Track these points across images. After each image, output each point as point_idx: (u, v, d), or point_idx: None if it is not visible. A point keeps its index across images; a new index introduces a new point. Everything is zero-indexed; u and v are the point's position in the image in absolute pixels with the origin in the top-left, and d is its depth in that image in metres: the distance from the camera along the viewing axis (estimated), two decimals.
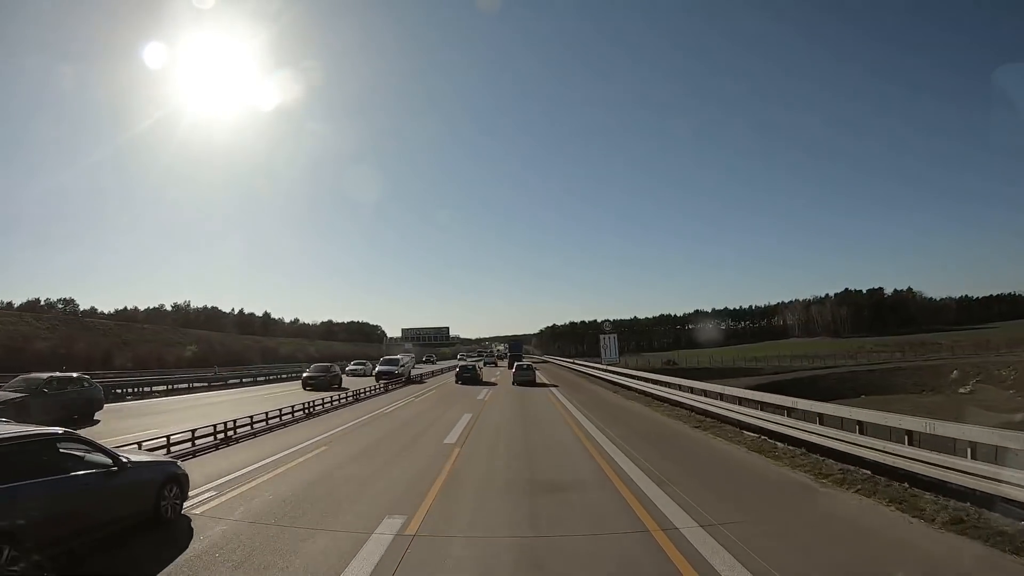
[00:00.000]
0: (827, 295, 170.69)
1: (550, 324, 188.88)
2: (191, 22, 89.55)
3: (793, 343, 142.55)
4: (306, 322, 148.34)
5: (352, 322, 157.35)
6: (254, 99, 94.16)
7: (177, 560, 5.23)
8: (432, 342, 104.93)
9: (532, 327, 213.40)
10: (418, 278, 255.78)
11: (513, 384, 31.67)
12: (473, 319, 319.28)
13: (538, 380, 33.82)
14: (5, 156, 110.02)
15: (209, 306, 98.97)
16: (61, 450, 5.41)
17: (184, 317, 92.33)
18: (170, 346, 54.92)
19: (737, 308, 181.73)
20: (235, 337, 75.17)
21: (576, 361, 63.91)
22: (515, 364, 38.02)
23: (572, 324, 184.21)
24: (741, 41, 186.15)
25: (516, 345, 75.80)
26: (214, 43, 73.30)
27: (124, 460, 5.91)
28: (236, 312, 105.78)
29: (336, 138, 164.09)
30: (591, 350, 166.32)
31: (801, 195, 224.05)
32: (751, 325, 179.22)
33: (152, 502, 6.14)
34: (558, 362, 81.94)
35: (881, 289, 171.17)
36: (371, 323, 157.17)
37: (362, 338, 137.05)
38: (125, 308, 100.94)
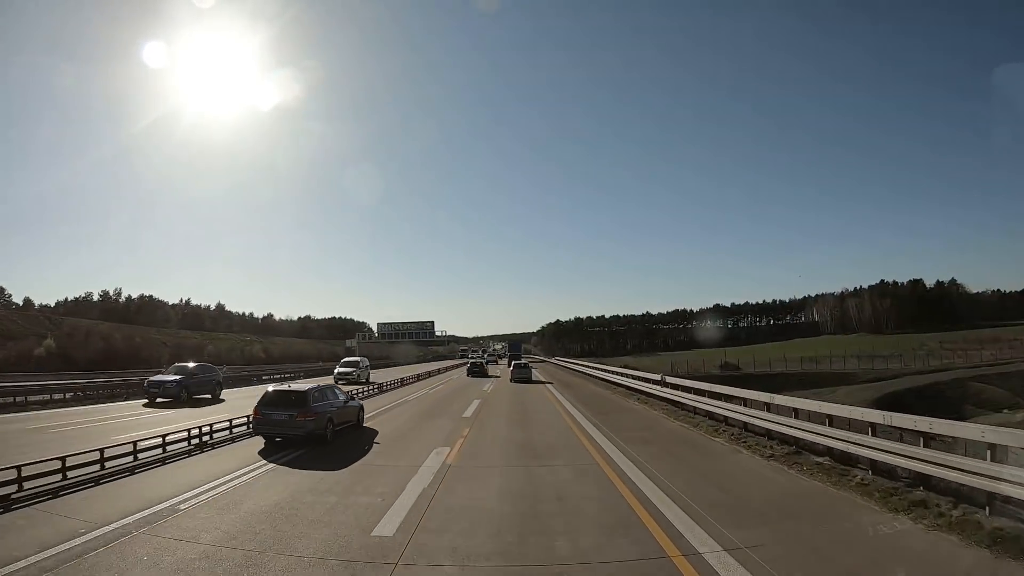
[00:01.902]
0: (859, 288, 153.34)
1: (553, 320, 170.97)
2: (191, 21, 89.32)
3: (832, 340, 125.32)
4: (281, 317, 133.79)
5: (334, 318, 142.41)
6: (253, 98, 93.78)
7: (375, 437, 12.68)
8: (414, 340, 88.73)
9: (533, 325, 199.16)
10: (413, 275, 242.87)
11: (511, 381, 33.82)
12: (471, 317, 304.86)
13: (534, 378, 35.94)
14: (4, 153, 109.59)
15: (146, 295, 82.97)
16: (335, 390, 13.45)
17: (110, 308, 76.47)
18: (14, 339, 38.99)
19: (760, 303, 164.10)
20: (139, 330, 59.09)
21: (579, 361, 55.44)
22: (513, 363, 40.28)
23: (577, 320, 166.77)
24: (761, 36, 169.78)
25: (515, 345, 76.95)
26: (214, 42, 73.11)
27: (349, 396, 14.28)
28: (184, 303, 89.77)
29: (335, 137, 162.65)
30: (599, 349, 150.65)
31: (816, 186, 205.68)
32: (774, 321, 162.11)
33: (356, 417, 14.00)
34: (563, 363, 65.34)
35: (921, 281, 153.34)
36: (356, 319, 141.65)
37: (343, 335, 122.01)
38: (66, 299, 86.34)
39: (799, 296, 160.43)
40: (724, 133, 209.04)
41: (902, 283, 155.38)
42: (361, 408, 14.52)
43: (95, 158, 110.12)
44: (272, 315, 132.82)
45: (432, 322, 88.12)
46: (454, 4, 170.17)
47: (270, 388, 12.09)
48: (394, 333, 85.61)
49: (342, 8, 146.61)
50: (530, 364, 41.98)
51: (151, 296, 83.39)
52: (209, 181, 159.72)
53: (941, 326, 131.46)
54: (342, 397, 13.23)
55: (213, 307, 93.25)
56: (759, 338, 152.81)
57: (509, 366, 42.39)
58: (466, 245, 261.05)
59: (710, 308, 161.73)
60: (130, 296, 79.79)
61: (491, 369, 48.35)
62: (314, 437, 11.16)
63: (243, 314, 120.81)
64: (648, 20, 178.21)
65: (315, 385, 12.35)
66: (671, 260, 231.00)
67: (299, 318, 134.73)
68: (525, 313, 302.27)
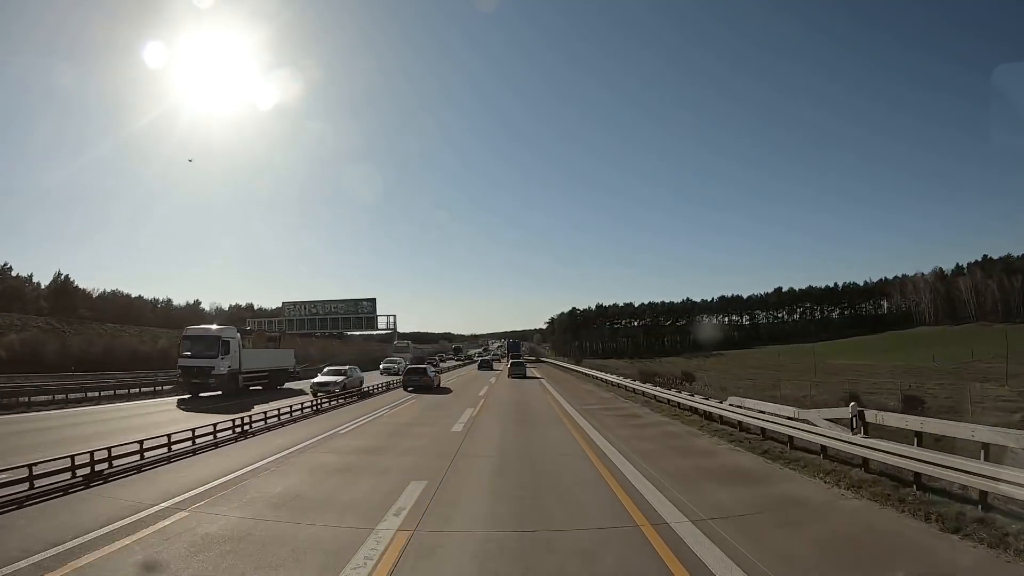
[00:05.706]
0: (957, 265, 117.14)
1: (568, 309, 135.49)
2: (190, 21, 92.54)
3: (947, 332, 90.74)
4: (216, 306, 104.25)
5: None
6: (252, 96, 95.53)
7: (448, 390, 26.60)
8: (335, 331, 57.72)
9: (535, 321, 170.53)
10: (412, 272, 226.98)
11: (508, 377, 37.77)
12: (470, 315, 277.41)
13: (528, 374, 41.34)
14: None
15: None
16: (431, 367, 32.30)
17: None
18: None
19: (830, 287, 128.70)
20: None
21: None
22: (511, 361, 46.54)
23: (600, 308, 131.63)
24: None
25: (514, 344, 78.22)
26: (213, 41, 76.84)
27: (438, 368, 39.15)
28: None
29: (334, 135, 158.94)
30: (629, 349, 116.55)
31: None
32: (852, 310, 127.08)
33: (440, 381, 29.17)
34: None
35: None
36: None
37: None
38: None
39: (874, 279, 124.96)
40: (725, 132, 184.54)
41: (1016, 257, 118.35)
42: (440, 377, 29.99)
43: (94, 156, 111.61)
44: (199, 302, 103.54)
45: (372, 300, 55.01)
46: (453, 3, 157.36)
47: (408, 366, 30.11)
48: (301, 319, 54.10)
49: (340, 7, 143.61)
50: (525, 362, 49.96)
51: None
52: (208, 180, 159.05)
53: None
54: (434, 370, 30.05)
55: (47, 284, 63.49)
56: (832, 332, 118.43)
57: (508, 364, 49.01)
58: (464, 242, 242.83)
59: (769, 294, 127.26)
60: None
61: (495, 365, 59.39)
62: (429, 387, 24.96)
63: (155, 300, 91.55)
64: (647, 21, 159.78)
65: (428, 365, 31.73)
66: (682, 253, 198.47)
67: (230, 306, 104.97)
68: (527, 310, 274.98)
